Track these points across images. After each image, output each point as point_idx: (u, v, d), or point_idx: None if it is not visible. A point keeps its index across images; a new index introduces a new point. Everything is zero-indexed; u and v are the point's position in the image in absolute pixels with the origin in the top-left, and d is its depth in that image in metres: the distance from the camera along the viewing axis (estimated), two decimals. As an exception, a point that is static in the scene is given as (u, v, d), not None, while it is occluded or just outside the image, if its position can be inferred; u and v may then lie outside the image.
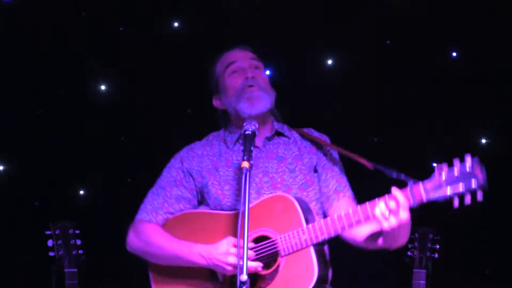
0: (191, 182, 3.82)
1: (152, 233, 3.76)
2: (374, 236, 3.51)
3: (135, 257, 4.23)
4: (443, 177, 3.26)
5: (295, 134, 3.87)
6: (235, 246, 3.52)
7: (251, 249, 3.55)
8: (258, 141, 3.80)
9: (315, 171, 3.79)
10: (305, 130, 3.88)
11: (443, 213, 5.09)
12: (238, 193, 3.71)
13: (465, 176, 3.23)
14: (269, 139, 3.83)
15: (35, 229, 4.99)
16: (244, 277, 3.15)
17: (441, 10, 5.32)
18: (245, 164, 3.34)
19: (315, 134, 3.87)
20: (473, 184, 3.22)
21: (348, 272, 3.75)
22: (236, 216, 3.61)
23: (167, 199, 3.81)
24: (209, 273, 3.65)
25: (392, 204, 3.30)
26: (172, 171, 3.86)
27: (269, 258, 3.55)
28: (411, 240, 4.65)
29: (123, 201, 5.50)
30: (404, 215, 3.30)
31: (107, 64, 5.53)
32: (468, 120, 5.35)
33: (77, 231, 4.60)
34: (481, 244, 5.24)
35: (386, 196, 3.34)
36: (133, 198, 5.57)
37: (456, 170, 3.25)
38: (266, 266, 3.55)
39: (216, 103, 3.91)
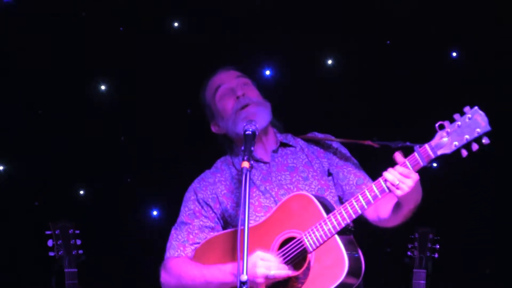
0: (209, 211, 3.82)
1: (181, 267, 3.74)
2: (396, 207, 3.53)
3: (134, 257, 4.24)
4: (446, 132, 3.33)
5: (300, 142, 3.88)
6: (262, 259, 3.50)
7: (280, 255, 3.55)
8: (266, 156, 3.82)
9: (329, 174, 3.80)
10: (309, 135, 3.89)
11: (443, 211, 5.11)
12: (259, 209, 3.71)
13: (468, 126, 3.30)
14: (275, 151, 3.84)
15: (35, 229, 5.00)
16: (244, 277, 3.16)
17: (441, 10, 5.31)
18: (245, 164, 3.35)
19: (319, 136, 3.88)
20: (477, 131, 3.29)
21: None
22: (258, 227, 3.61)
23: (191, 231, 3.80)
24: None
25: (402, 169, 3.37)
26: (189, 204, 3.85)
27: (299, 258, 3.54)
28: (411, 240, 4.65)
29: (123, 201, 5.51)
30: (410, 182, 3.37)
31: (107, 64, 5.53)
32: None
33: (77, 231, 4.61)
34: (481, 244, 5.24)
35: (395, 167, 3.40)
36: (133, 198, 5.60)
37: (458, 123, 3.32)
38: (298, 266, 3.54)
39: (214, 129, 3.91)
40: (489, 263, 5.29)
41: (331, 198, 3.73)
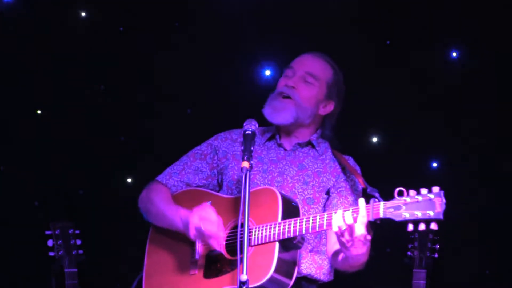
0: (215, 159, 3.93)
1: (158, 193, 3.88)
2: (337, 253, 3.59)
3: (135, 256, 4.24)
4: (404, 201, 3.29)
5: (329, 153, 3.91)
6: (207, 212, 3.59)
7: (227, 236, 3.63)
8: (288, 145, 3.89)
9: (327, 193, 3.82)
10: (345, 156, 3.91)
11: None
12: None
13: (424, 205, 3.27)
14: (301, 145, 3.89)
15: (35, 229, 5.00)
16: (244, 277, 3.17)
17: (441, 9, 5.31)
18: (245, 164, 3.37)
19: (350, 161, 3.89)
20: (428, 214, 3.26)
21: (348, 272, 3.75)
22: (228, 201, 3.70)
23: (186, 168, 3.92)
24: (190, 250, 3.73)
25: (348, 215, 3.35)
26: (204, 145, 3.98)
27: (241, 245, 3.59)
28: (411, 240, 4.65)
29: (123, 201, 5.51)
30: (359, 230, 3.36)
31: (107, 63, 5.53)
32: (468, 119, 5.35)
33: (77, 231, 4.61)
34: (481, 244, 5.24)
35: (351, 208, 3.39)
36: (133, 198, 5.59)
37: (418, 199, 3.28)
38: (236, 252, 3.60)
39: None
40: (489, 263, 5.29)
41: (314, 213, 3.75)
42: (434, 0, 5.34)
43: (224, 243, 3.65)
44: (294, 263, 3.58)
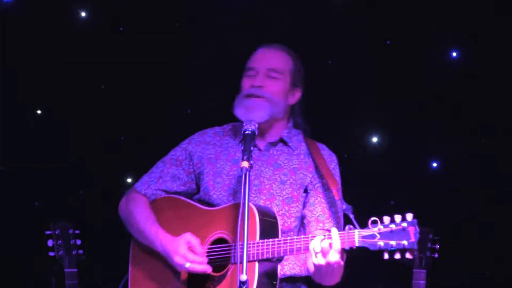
0: (190, 165, 3.90)
1: (137, 206, 3.88)
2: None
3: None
4: (378, 230, 3.30)
5: (303, 146, 3.88)
6: (189, 245, 3.61)
7: (207, 251, 3.63)
8: (261, 144, 3.85)
9: (305, 191, 3.80)
10: (319, 145, 3.89)
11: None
12: (227, 188, 3.78)
13: (398, 234, 3.28)
14: (273, 144, 3.86)
15: (35, 229, 5.00)
16: (244, 277, 3.17)
17: (441, 9, 5.31)
18: (245, 164, 3.37)
19: (325, 151, 3.87)
20: (402, 244, 3.27)
21: (348, 271, 3.74)
22: (208, 213, 3.69)
23: (163, 176, 3.91)
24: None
25: (325, 243, 3.36)
26: (178, 150, 3.96)
27: (222, 262, 3.61)
28: (411, 240, 4.65)
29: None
30: (334, 257, 3.36)
31: (107, 63, 5.53)
32: (468, 119, 5.35)
33: (77, 231, 4.62)
34: (481, 244, 5.24)
35: (327, 234, 3.40)
36: (133, 198, 5.57)
37: (391, 228, 3.29)
38: (219, 268, 3.62)
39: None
40: (489, 263, 5.29)
41: (295, 212, 3.75)
42: (434, 0, 5.34)
43: (206, 259, 3.64)
44: (275, 275, 3.58)
